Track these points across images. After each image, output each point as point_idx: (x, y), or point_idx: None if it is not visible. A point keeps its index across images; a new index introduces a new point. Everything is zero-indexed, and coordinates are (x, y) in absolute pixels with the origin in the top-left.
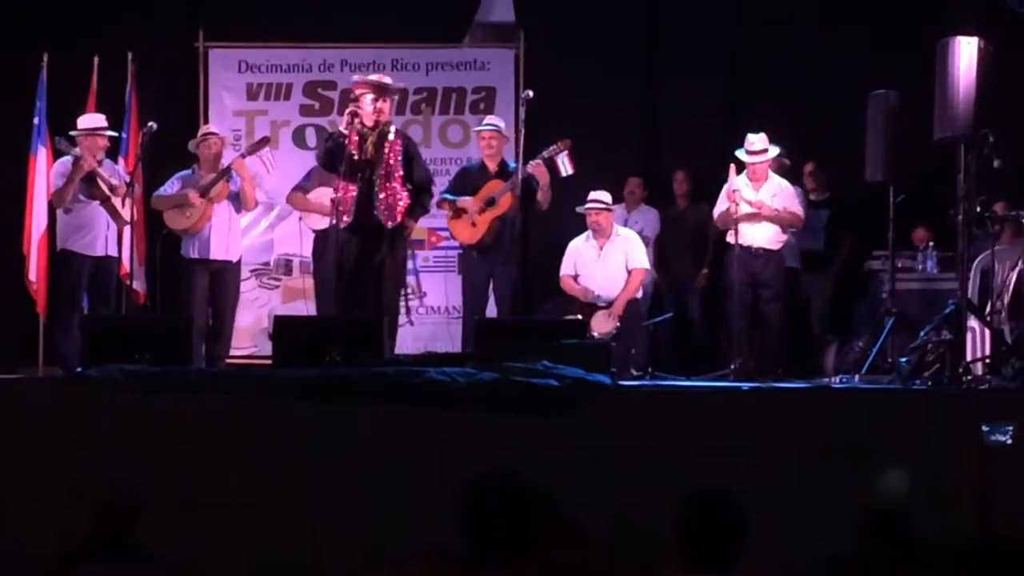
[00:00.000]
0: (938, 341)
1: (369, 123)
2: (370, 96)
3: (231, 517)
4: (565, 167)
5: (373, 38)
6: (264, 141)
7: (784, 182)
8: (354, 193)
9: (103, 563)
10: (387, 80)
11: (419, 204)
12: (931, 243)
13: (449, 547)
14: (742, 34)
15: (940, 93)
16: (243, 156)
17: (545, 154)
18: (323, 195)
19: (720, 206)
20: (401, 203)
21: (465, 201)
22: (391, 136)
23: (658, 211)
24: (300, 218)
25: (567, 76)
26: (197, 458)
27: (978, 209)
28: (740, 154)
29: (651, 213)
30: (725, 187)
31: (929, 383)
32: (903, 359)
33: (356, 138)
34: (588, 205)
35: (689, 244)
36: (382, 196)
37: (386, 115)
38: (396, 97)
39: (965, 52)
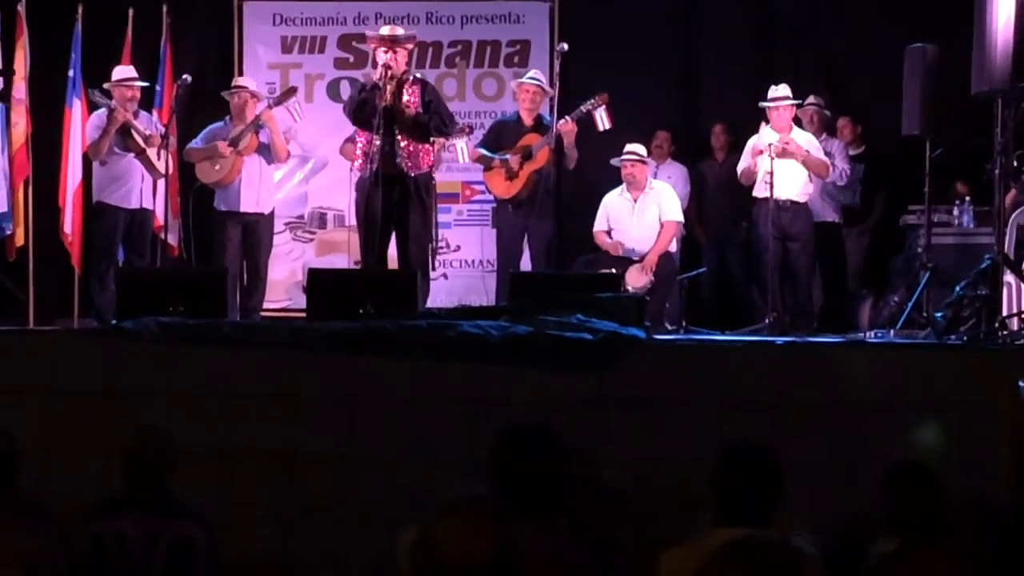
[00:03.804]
0: (974, 296)
1: (399, 74)
2: (381, 50)
3: (264, 469)
4: (603, 121)
5: None
6: (291, 91)
7: (807, 134)
8: (379, 144)
9: (137, 513)
10: (399, 31)
11: (440, 130)
12: (967, 197)
13: (483, 502)
14: None
15: (978, 47)
16: (270, 107)
17: (583, 108)
18: None
19: (744, 161)
20: (422, 152)
21: (504, 157)
22: (408, 85)
23: (686, 167)
24: (351, 169)
25: (602, 29)
26: (231, 410)
27: (1015, 163)
28: (763, 103)
29: (679, 169)
30: (750, 142)
31: (965, 338)
32: (938, 314)
33: (380, 90)
34: (623, 157)
35: (729, 198)
36: (403, 144)
37: (402, 66)
38: (411, 47)
39: (1004, 5)
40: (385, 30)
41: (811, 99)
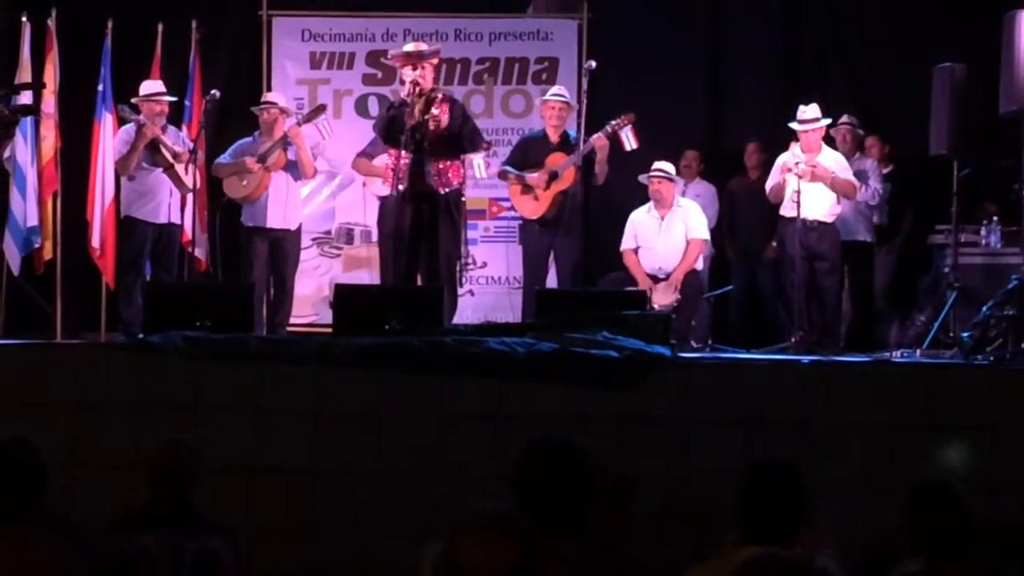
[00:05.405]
0: (1001, 316)
1: (427, 90)
2: (408, 67)
3: (290, 484)
4: (629, 142)
5: (436, 7)
6: (320, 108)
7: (836, 154)
8: (408, 161)
9: (163, 528)
10: (423, 47)
11: (468, 146)
12: (995, 217)
13: (508, 517)
14: (806, 6)
15: (1006, 66)
16: (299, 124)
17: (608, 128)
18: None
19: (773, 178)
20: (452, 169)
21: (530, 177)
22: (436, 102)
23: (715, 186)
24: (364, 184)
25: (630, 47)
26: (257, 425)
27: None
28: (792, 124)
29: (708, 188)
30: (779, 160)
31: (991, 358)
32: (965, 334)
33: (409, 107)
34: (650, 174)
35: (761, 216)
36: (433, 162)
37: (429, 82)
38: (436, 61)
39: None
40: (409, 47)
41: (844, 118)
